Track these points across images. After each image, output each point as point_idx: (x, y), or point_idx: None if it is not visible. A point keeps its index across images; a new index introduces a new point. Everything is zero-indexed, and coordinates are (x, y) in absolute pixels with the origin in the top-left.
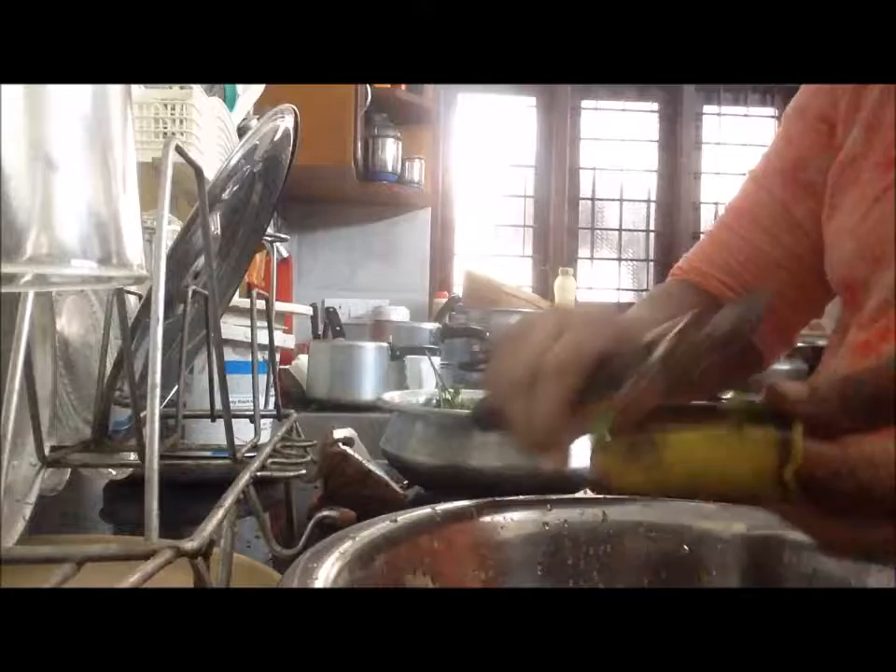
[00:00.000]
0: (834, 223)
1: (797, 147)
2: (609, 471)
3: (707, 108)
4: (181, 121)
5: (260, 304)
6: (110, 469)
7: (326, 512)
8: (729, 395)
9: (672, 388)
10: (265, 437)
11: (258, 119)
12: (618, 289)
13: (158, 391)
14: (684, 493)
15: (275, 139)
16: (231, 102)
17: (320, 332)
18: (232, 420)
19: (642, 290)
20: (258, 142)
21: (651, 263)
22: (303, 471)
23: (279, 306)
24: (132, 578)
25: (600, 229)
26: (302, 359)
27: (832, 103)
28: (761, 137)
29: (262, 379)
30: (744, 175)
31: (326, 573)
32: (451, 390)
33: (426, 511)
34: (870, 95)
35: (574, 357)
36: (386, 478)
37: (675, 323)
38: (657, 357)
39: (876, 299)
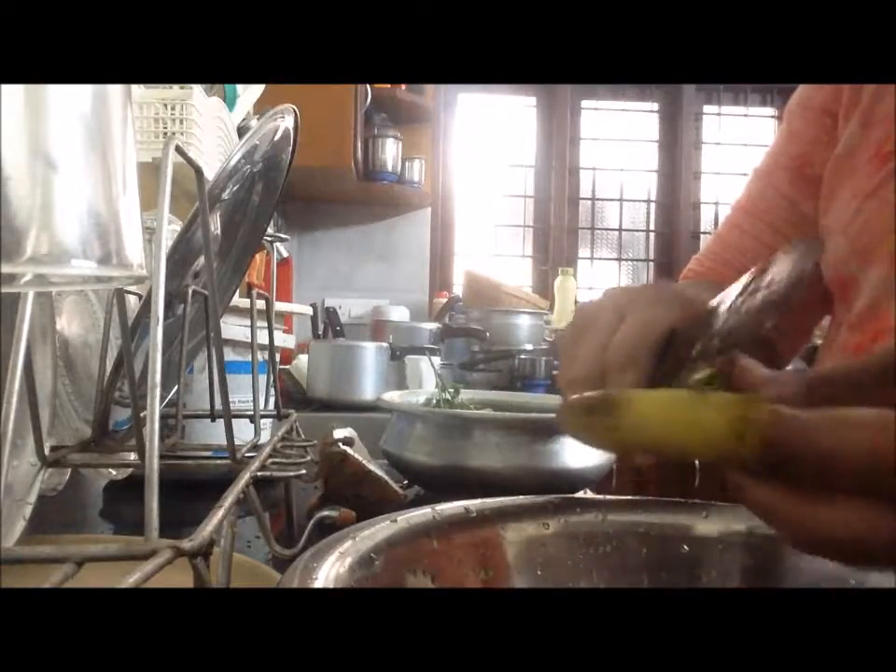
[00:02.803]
0: (827, 219)
1: (802, 142)
2: (574, 428)
3: (706, 108)
4: (181, 121)
5: (260, 304)
6: (110, 469)
7: (326, 512)
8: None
9: (744, 350)
10: (265, 437)
11: (258, 119)
12: (617, 287)
13: (158, 391)
14: (646, 453)
15: (275, 139)
16: (231, 102)
17: (320, 332)
18: (232, 420)
19: None
20: (258, 142)
21: (651, 263)
22: (303, 471)
23: (279, 306)
24: (131, 578)
25: (600, 229)
26: (302, 359)
27: (835, 95)
28: (761, 137)
29: (262, 379)
30: (744, 175)
31: (326, 573)
32: (451, 390)
33: (426, 510)
34: (867, 89)
35: (639, 343)
36: (386, 478)
37: (735, 286)
38: (723, 322)
39: (866, 297)
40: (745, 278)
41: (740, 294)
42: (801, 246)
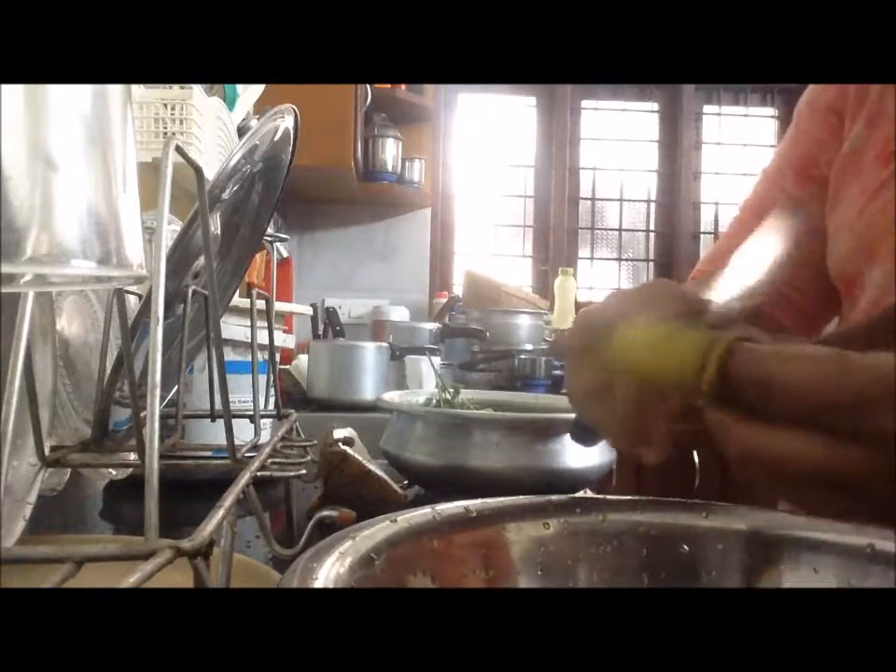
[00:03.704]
0: (835, 217)
1: (808, 142)
2: (569, 352)
3: (707, 108)
4: (181, 121)
5: (260, 304)
6: (110, 469)
7: (326, 512)
8: None
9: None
10: (265, 437)
11: (258, 118)
12: (618, 289)
13: (158, 391)
14: (627, 376)
15: (275, 139)
16: (231, 102)
17: (320, 332)
18: (232, 420)
19: None
20: (258, 142)
21: (651, 263)
22: (303, 471)
23: (279, 306)
24: (131, 578)
25: (600, 229)
26: (302, 359)
27: (841, 94)
28: (761, 137)
29: (262, 379)
30: (744, 175)
31: (326, 573)
32: (451, 390)
33: (426, 511)
34: (874, 88)
35: None
36: (386, 478)
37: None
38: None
39: (870, 294)
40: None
41: (731, 286)
42: (776, 222)
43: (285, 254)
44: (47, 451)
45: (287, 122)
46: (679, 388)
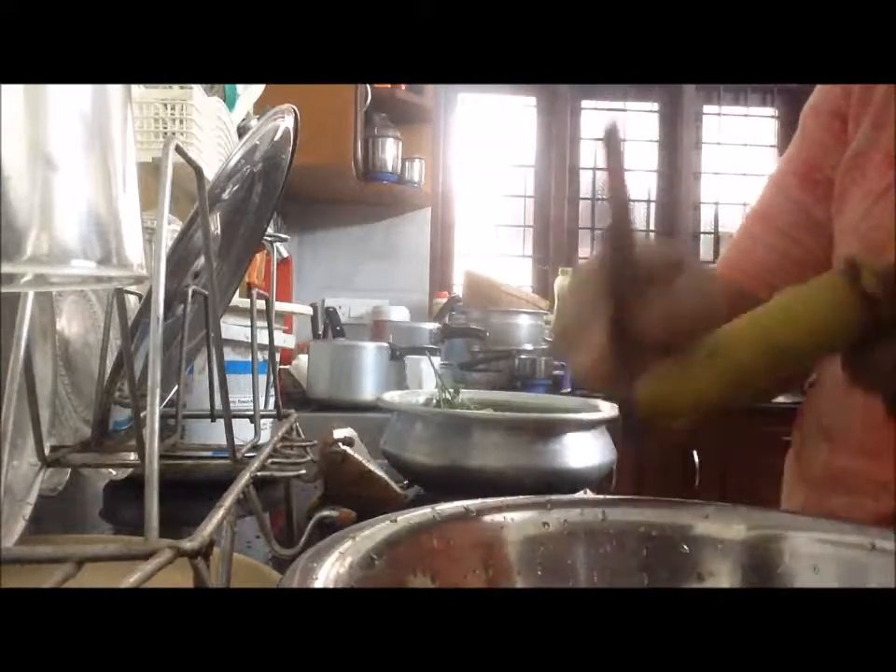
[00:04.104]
0: (840, 219)
1: (812, 146)
2: (656, 398)
3: (706, 108)
4: (181, 121)
5: (260, 304)
6: (110, 469)
7: (326, 512)
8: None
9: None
10: (265, 437)
11: (258, 118)
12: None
13: (158, 391)
14: (737, 387)
15: (275, 139)
16: (231, 102)
17: (320, 332)
18: (232, 420)
19: None
20: (258, 142)
21: None
22: (303, 471)
23: (279, 306)
24: (131, 578)
25: (600, 229)
26: (302, 359)
27: (845, 98)
28: (761, 137)
29: (262, 379)
30: (744, 174)
31: (326, 573)
32: (451, 390)
33: (426, 510)
34: (879, 90)
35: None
36: (386, 478)
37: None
38: None
39: None
40: None
41: None
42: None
43: (285, 254)
44: (47, 451)
45: (287, 122)
46: (832, 335)
